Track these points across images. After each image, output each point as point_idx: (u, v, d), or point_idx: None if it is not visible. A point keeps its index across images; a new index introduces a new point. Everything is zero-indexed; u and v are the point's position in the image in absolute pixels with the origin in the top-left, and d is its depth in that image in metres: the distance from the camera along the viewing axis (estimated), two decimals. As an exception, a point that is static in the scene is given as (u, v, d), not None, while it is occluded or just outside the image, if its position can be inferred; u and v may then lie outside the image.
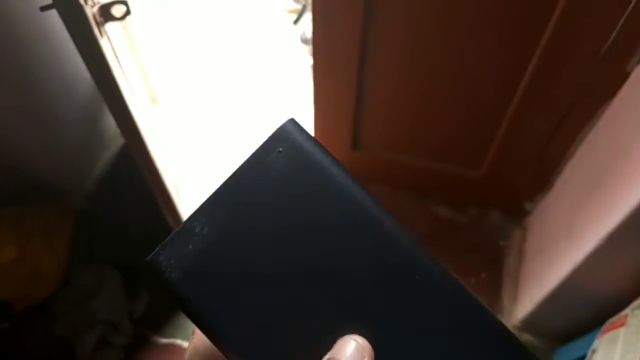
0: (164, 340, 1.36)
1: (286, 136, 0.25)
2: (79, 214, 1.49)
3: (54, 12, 0.81)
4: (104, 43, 0.80)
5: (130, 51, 1.08)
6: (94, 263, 1.45)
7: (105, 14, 0.79)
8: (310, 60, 2.02)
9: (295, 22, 2.16)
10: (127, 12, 0.79)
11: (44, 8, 0.73)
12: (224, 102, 1.96)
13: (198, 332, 0.26)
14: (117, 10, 0.78)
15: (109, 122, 1.68)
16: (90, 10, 0.74)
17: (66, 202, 1.50)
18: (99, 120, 1.64)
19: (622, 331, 0.97)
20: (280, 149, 0.24)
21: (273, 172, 0.24)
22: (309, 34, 2.02)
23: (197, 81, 2.02)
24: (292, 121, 0.26)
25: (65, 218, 1.45)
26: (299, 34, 2.09)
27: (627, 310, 1.01)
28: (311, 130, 1.54)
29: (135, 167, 1.18)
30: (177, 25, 2.19)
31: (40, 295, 1.37)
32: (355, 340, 0.24)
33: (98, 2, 0.76)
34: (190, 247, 0.22)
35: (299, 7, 2.18)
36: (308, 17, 2.14)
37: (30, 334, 1.36)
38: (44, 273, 1.35)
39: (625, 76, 1.03)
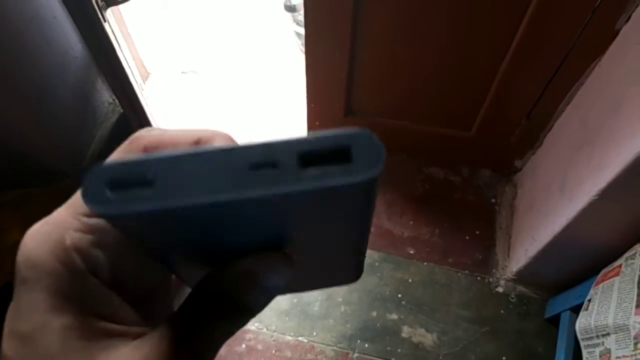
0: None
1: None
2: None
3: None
4: (107, 27, 0.80)
5: (120, 31, 1.08)
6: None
7: (108, -2, 0.79)
8: (295, 28, 2.01)
9: (278, -12, 2.14)
10: (130, -5, 0.79)
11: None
12: (212, 75, 1.95)
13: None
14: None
15: (101, 99, 1.68)
16: (94, -4, 0.74)
17: (64, 182, 1.50)
18: (90, 98, 1.63)
19: (616, 280, 1.03)
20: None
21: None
22: (293, 0, 2.01)
23: (181, 53, 2.01)
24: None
25: (64, 199, 1.45)
26: (282, 1, 2.08)
27: (620, 260, 1.06)
28: (303, 98, 1.55)
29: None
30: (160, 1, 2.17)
31: (45, 275, 1.39)
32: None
33: (101, -13, 0.76)
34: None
35: (280, -27, 2.16)
36: (290, -17, 2.12)
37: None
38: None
39: (614, 34, 1.06)
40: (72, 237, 0.23)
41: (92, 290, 0.23)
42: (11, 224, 1.29)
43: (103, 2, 0.79)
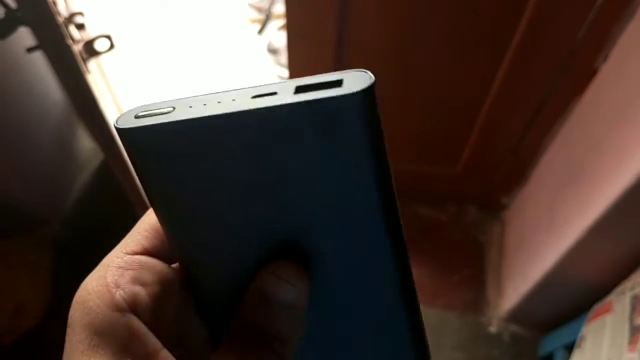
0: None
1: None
2: (59, 242, 1.47)
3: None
4: (90, 78, 0.79)
5: (100, 75, 1.07)
6: (79, 290, 1.43)
7: (90, 49, 0.78)
8: (277, 70, 2.03)
9: (260, 31, 2.17)
10: (111, 46, 0.79)
11: (30, 50, 0.72)
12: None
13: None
14: (100, 44, 0.78)
15: (82, 144, 1.66)
16: (77, 48, 0.73)
17: (45, 230, 1.47)
18: (71, 143, 1.62)
19: (608, 317, 1.01)
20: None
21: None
22: (275, 43, 2.03)
23: (162, 97, 2.00)
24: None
25: (44, 247, 1.42)
26: (264, 43, 2.10)
27: (611, 296, 1.05)
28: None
29: (111, 190, 1.17)
30: (142, 43, 2.18)
31: (25, 328, 1.34)
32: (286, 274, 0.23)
33: (83, 39, 0.76)
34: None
35: (262, 17, 2.18)
36: (272, 26, 2.15)
37: (20, 368, 1.33)
38: (28, 306, 1.33)
39: (593, 73, 1.07)
40: (113, 273, 0.23)
41: (131, 329, 0.22)
42: (-10, 276, 1.25)
43: (87, 54, 0.78)
